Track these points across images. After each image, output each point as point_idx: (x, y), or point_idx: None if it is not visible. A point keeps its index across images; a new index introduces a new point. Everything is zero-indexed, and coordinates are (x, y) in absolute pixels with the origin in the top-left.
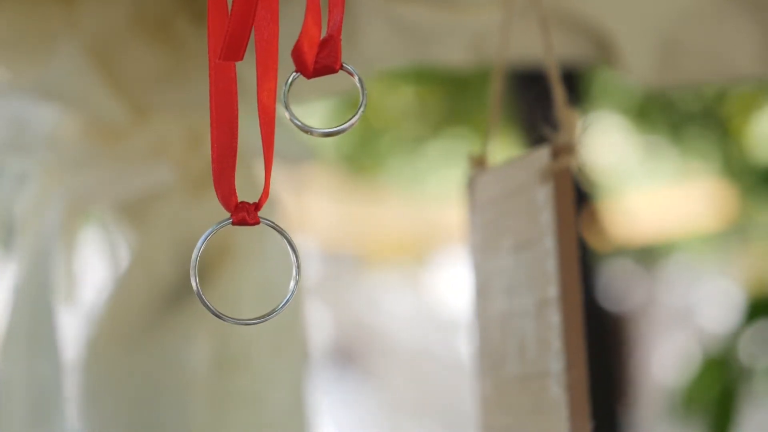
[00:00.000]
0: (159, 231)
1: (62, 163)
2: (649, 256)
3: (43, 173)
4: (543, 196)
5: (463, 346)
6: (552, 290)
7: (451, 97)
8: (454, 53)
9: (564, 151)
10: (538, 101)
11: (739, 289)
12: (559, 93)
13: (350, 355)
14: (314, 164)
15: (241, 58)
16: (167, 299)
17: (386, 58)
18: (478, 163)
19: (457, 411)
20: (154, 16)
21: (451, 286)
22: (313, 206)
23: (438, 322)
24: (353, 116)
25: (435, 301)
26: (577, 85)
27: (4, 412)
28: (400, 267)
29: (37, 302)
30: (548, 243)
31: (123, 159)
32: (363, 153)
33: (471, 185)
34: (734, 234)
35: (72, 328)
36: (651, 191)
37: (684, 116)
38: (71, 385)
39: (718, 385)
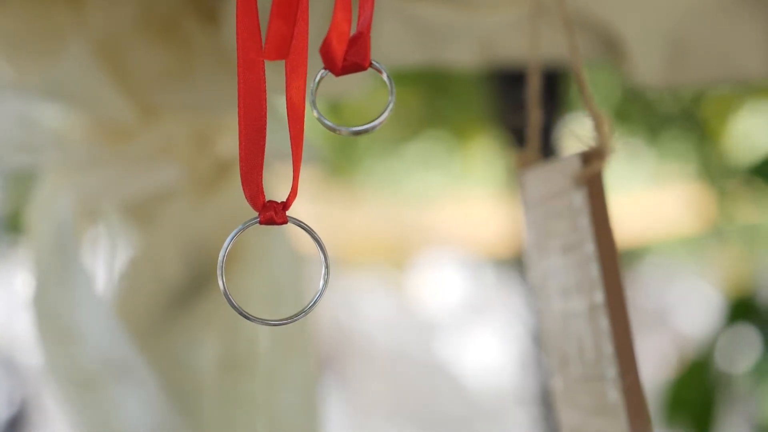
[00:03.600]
0: (166, 231)
1: (69, 162)
2: (626, 258)
3: (50, 173)
4: (579, 201)
5: (440, 349)
6: (598, 296)
7: (430, 99)
8: (464, 54)
9: (595, 156)
10: (521, 101)
11: (716, 292)
12: (588, 96)
13: (327, 358)
14: (316, 166)
15: (287, 56)
16: (174, 300)
17: (399, 57)
18: (523, 162)
19: (434, 414)
20: (161, 15)
21: (429, 288)
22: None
23: (415, 325)
24: (382, 114)
25: (412, 304)
26: (555, 86)
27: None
28: (377, 269)
29: (56, 301)
30: (589, 248)
31: (130, 159)
32: (341, 155)
33: (521, 184)
34: (711, 237)
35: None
36: (628, 193)
37: (662, 118)
38: None
39: (700, 388)
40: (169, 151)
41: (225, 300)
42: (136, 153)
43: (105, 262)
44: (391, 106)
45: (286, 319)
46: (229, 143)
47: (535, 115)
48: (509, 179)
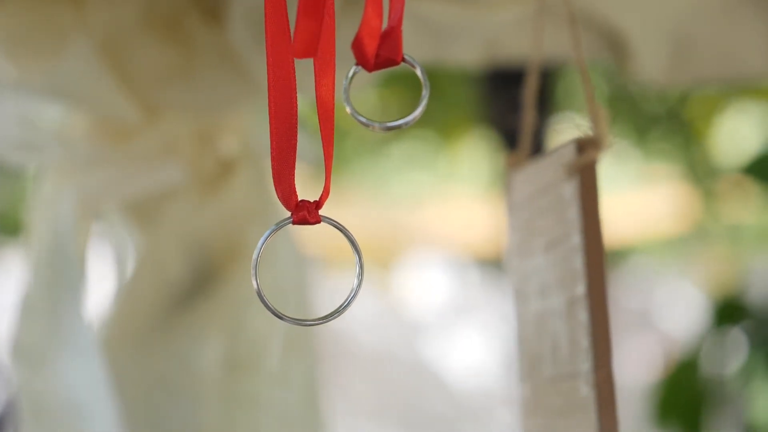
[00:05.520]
0: (169, 231)
1: (71, 161)
2: (612, 258)
3: (53, 172)
4: (569, 191)
5: (426, 350)
6: (580, 288)
7: (415, 99)
8: (468, 53)
9: (590, 145)
10: (511, 101)
11: (702, 293)
12: (588, 88)
13: None
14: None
15: (315, 54)
16: (177, 300)
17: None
18: (514, 162)
19: (419, 414)
20: (164, 13)
21: (415, 288)
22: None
23: (400, 325)
24: (416, 109)
25: (398, 304)
26: (545, 86)
27: (26, 420)
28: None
29: (56, 302)
30: (575, 239)
31: (133, 158)
32: None
33: (507, 186)
34: (697, 237)
35: (91, 326)
36: (614, 193)
37: (648, 119)
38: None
39: (689, 389)
40: (172, 151)
41: (229, 300)
42: (138, 152)
43: (107, 262)
44: (425, 101)
45: (320, 319)
46: (232, 142)
47: (529, 116)
48: (498, 180)
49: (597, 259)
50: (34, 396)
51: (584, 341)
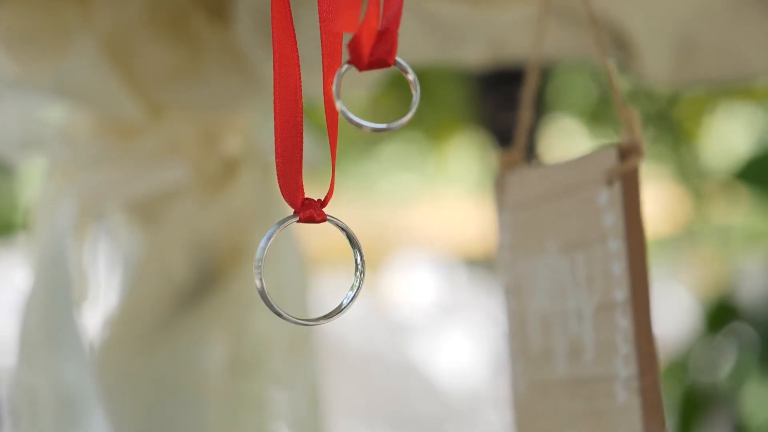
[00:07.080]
0: (172, 230)
1: (75, 160)
2: None
3: (55, 171)
4: (607, 197)
5: (413, 350)
6: (619, 293)
7: (405, 100)
8: (474, 52)
9: (632, 151)
10: (502, 100)
11: (691, 295)
12: (616, 93)
13: None
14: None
15: (356, 29)
16: (181, 300)
17: (410, 55)
18: (509, 162)
19: (407, 415)
20: (169, 12)
21: (403, 289)
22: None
23: (389, 326)
24: (408, 113)
25: (386, 305)
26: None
27: (27, 417)
28: (351, 270)
29: (53, 302)
30: (613, 245)
31: (137, 157)
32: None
33: (499, 185)
34: (686, 238)
35: (84, 329)
36: None
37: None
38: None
39: (680, 390)
40: (176, 150)
41: (233, 300)
42: (142, 151)
43: (110, 261)
44: (415, 106)
45: (321, 318)
46: (236, 142)
47: (525, 115)
48: (491, 179)
49: (641, 266)
50: (30, 393)
51: (624, 347)
